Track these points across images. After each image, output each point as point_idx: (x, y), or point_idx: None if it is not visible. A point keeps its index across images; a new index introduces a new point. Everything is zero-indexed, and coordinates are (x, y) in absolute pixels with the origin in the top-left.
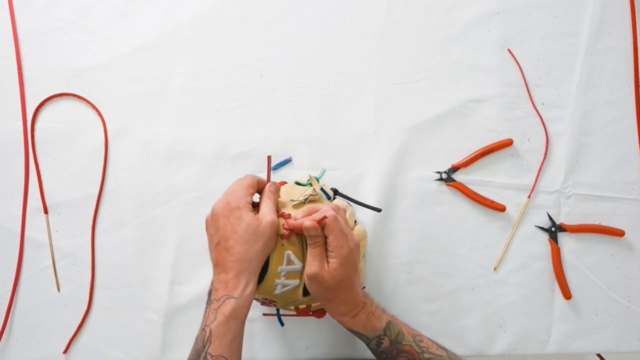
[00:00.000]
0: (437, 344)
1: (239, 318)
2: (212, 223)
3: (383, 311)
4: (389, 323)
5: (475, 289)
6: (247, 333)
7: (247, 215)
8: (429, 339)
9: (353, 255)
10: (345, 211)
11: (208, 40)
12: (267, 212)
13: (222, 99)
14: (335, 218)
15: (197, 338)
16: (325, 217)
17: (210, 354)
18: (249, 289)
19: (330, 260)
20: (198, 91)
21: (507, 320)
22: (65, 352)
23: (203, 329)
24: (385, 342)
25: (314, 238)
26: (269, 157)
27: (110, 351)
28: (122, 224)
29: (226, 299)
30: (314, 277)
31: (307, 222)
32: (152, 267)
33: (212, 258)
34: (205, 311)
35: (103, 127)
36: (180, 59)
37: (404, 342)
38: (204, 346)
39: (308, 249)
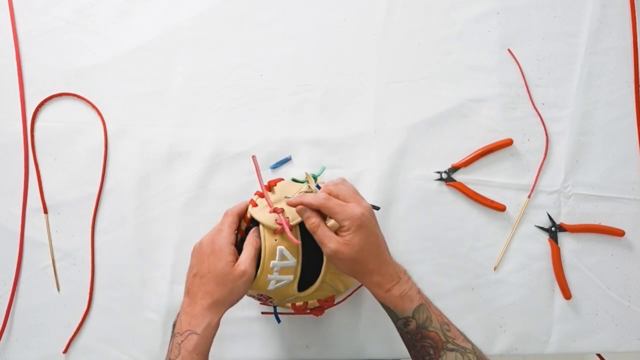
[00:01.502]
0: (465, 337)
1: (202, 353)
2: (196, 255)
3: (418, 292)
4: (419, 306)
5: (475, 288)
6: (247, 333)
7: (225, 259)
8: (457, 329)
9: (366, 219)
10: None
11: (208, 40)
12: (243, 260)
13: (222, 98)
14: (326, 198)
15: None
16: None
17: None
18: (212, 325)
19: (343, 233)
20: (198, 91)
21: (507, 320)
22: (65, 352)
23: None
24: (412, 325)
25: (307, 220)
26: (254, 157)
27: (110, 351)
28: (122, 223)
29: (189, 334)
30: (334, 256)
31: (298, 208)
32: (152, 267)
33: (186, 285)
34: (169, 344)
35: (103, 127)
36: (180, 59)
37: (431, 329)
38: None
39: (313, 236)
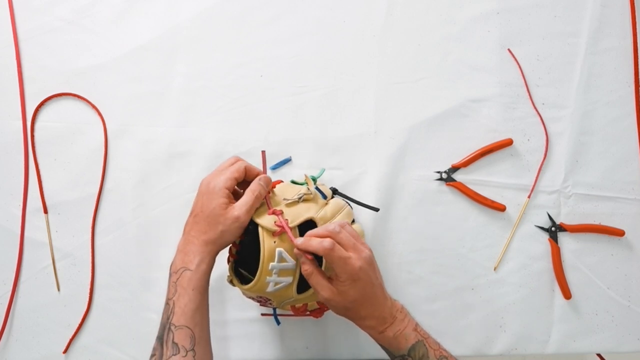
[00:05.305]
0: None
1: (197, 289)
2: (197, 195)
3: (415, 328)
4: (416, 344)
5: (476, 289)
6: (246, 334)
7: (218, 200)
8: None
9: (364, 273)
10: (350, 222)
11: (208, 40)
12: (239, 206)
13: (222, 98)
14: (331, 249)
15: (163, 313)
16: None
17: (174, 325)
18: (206, 262)
19: (339, 282)
20: (198, 91)
21: (507, 320)
22: (65, 352)
23: (167, 303)
24: None
25: (303, 267)
26: (263, 152)
27: (110, 351)
28: (122, 223)
29: (183, 271)
30: (327, 303)
31: (295, 250)
32: (152, 267)
33: (184, 226)
34: (167, 285)
35: (103, 127)
36: (180, 59)
37: None
38: (168, 318)
39: (307, 279)
